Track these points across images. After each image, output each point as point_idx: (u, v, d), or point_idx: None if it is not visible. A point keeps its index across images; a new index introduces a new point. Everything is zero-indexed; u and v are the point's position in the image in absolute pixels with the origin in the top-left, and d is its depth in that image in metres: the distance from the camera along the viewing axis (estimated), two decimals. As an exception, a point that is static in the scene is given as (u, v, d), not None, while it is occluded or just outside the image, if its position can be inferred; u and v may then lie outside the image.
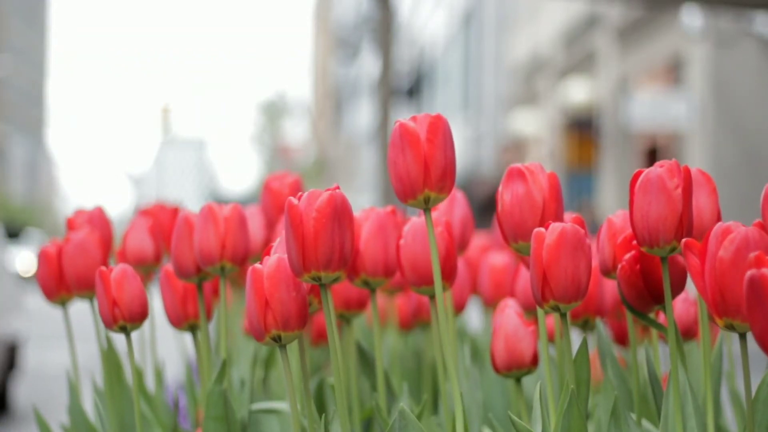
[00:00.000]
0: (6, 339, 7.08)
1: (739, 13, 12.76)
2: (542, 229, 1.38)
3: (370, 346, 2.47)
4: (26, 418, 7.20)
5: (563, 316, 1.41)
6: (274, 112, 66.36)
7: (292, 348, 1.89)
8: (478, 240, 2.58)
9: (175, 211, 2.32)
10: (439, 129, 1.45)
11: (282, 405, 1.82)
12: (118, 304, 1.64)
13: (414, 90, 33.77)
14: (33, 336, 10.18)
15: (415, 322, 2.42)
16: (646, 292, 1.51)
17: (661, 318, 1.79)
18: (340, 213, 1.39)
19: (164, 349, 2.66)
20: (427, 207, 1.47)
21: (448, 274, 1.65)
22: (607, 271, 1.59)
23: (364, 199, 36.59)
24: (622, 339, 2.05)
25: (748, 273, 1.05)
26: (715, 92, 13.88)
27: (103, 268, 1.66)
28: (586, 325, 1.91)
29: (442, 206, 1.94)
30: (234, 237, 1.72)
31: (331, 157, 58.13)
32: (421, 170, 1.44)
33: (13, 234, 13.50)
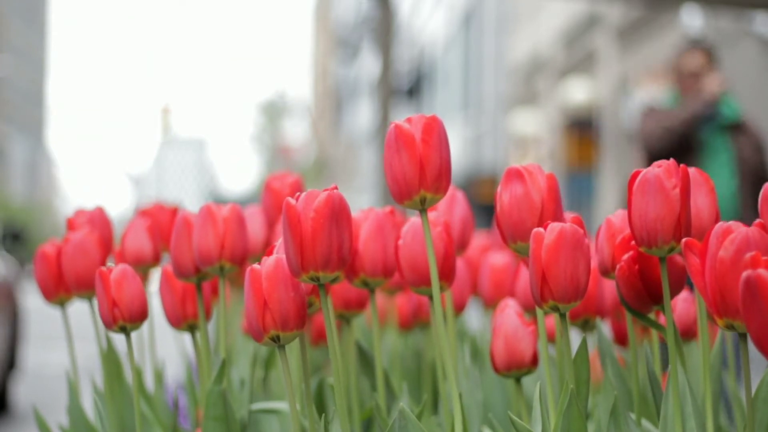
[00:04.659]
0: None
1: (739, 13, 12.74)
2: (541, 230, 1.38)
3: (370, 346, 2.47)
4: (26, 418, 7.19)
5: (562, 316, 1.41)
6: (274, 112, 66.34)
7: (292, 348, 1.89)
8: (478, 240, 2.57)
9: (173, 212, 2.32)
10: (434, 130, 1.45)
11: (282, 405, 1.82)
12: (117, 304, 1.64)
13: (414, 90, 33.74)
14: (33, 336, 10.18)
15: (415, 322, 2.42)
16: (645, 293, 1.51)
17: (661, 318, 1.79)
18: (337, 213, 1.39)
19: (164, 349, 2.66)
20: (423, 208, 1.47)
21: (447, 274, 1.65)
22: (606, 272, 1.59)
23: (364, 200, 36.55)
24: (621, 339, 2.05)
25: (744, 273, 1.05)
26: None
27: (103, 268, 1.66)
28: (585, 325, 1.91)
29: (441, 206, 1.94)
30: (233, 237, 1.72)
31: (331, 157, 58.10)
32: (417, 171, 1.44)
33: (14, 234, 13.39)
